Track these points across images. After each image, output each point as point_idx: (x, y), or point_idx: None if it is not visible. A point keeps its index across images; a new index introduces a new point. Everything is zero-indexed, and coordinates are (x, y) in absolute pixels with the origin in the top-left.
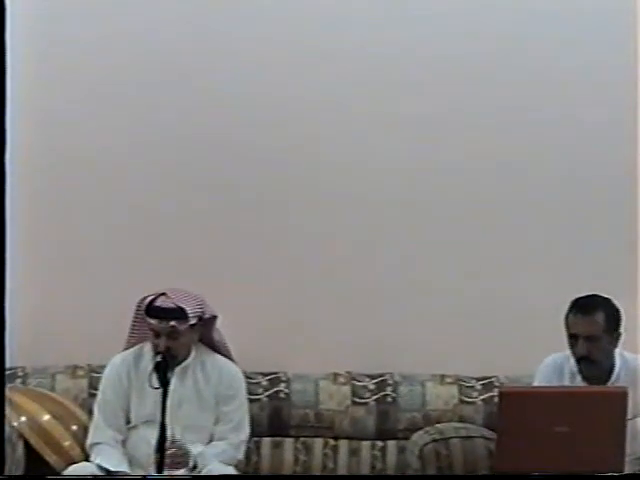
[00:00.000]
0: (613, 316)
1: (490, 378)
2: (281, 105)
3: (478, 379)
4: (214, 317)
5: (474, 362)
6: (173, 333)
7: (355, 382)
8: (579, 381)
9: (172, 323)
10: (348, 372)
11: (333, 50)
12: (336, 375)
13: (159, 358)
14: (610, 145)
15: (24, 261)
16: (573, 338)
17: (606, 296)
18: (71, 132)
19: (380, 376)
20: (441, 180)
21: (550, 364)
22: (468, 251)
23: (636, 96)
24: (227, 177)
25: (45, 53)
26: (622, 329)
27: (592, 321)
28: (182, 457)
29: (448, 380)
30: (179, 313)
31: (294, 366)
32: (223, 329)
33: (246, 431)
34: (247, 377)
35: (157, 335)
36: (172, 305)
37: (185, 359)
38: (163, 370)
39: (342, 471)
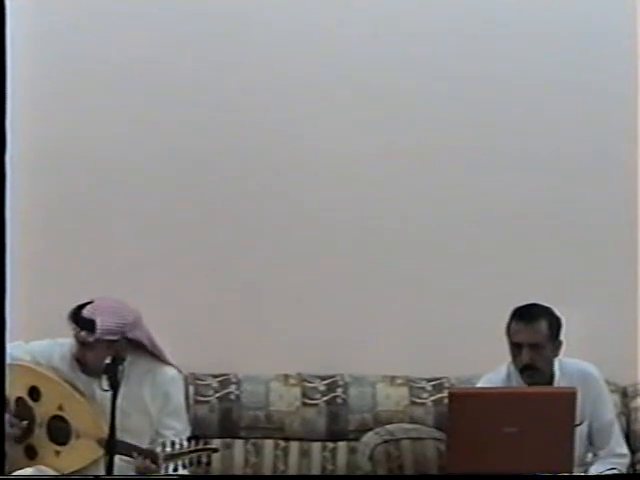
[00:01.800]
0: (555, 324)
1: (440, 379)
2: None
3: (428, 380)
4: (139, 342)
5: (424, 363)
6: (84, 343)
7: (305, 383)
8: None
9: (82, 333)
10: (298, 373)
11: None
12: (286, 376)
13: (108, 360)
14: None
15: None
16: (516, 347)
17: (546, 305)
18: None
19: (330, 377)
20: (398, 184)
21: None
22: (418, 253)
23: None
24: (182, 176)
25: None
26: (562, 337)
27: (536, 329)
28: (150, 466)
29: (398, 381)
30: (89, 325)
31: (244, 367)
32: (174, 329)
33: (188, 430)
34: (197, 379)
35: (76, 340)
36: (87, 316)
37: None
38: (113, 373)
39: (292, 472)
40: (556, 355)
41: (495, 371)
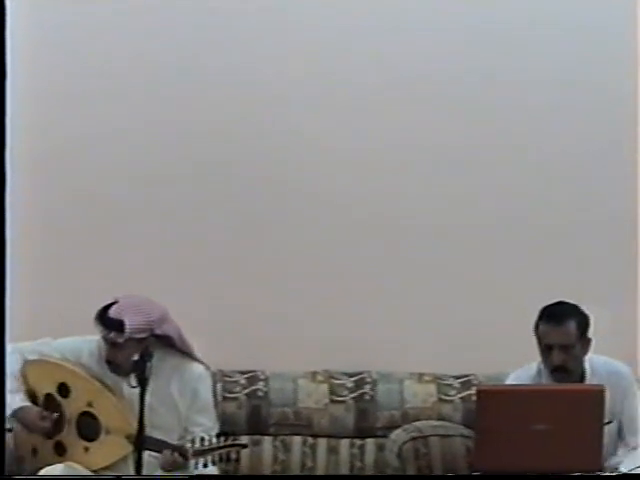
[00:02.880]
0: (583, 322)
1: (468, 376)
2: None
3: (456, 377)
4: (168, 337)
5: (452, 360)
6: (114, 344)
7: (333, 380)
8: None
9: (111, 335)
10: (326, 370)
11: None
12: (314, 373)
13: (136, 357)
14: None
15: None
16: (547, 348)
17: (573, 303)
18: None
19: (358, 374)
20: (420, 184)
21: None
22: (446, 250)
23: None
24: (214, 174)
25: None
26: (590, 334)
27: (566, 330)
28: (179, 462)
29: (426, 378)
30: (118, 325)
31: (272, 364)
32: (202, 327)
33: (217, 427)
34: (225, 375)
35: (105, 342)
36: (114, 316)
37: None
38: (141, 369)
39: (321, 469)
40: (585, 353)
41: (524, 368)
